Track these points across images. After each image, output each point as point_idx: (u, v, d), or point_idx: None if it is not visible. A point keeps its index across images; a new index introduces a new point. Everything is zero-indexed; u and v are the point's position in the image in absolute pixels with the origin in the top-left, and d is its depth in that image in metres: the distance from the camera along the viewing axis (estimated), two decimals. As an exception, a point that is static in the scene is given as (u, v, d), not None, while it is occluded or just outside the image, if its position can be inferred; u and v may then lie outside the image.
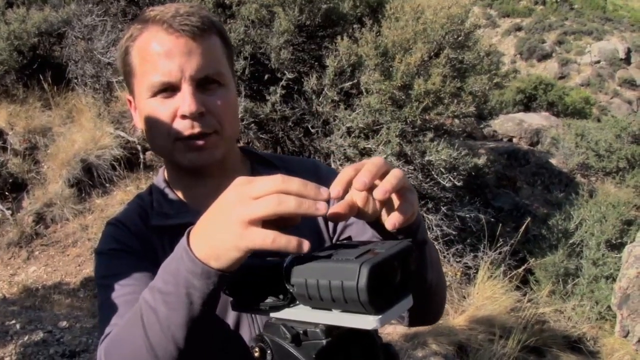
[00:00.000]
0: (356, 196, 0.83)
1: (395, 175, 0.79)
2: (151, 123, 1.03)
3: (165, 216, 1.09)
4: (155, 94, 1.01)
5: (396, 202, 0.81)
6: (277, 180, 0.69)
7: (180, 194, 1.13)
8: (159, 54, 0.99)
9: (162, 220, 1.08)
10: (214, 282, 0.75)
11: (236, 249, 0.69)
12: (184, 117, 1.00)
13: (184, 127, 1.00)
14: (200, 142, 1.02)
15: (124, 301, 0.96)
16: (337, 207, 0.79)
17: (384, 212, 0.85)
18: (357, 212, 0.82)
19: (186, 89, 0.99)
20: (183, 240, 0.77)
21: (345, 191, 0.78)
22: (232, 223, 0.68)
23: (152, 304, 0.79)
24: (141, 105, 1.05)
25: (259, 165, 1.18)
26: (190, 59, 0.99)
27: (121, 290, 0.98)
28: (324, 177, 1.20)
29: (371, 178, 0.77)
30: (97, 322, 3.94)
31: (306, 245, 0.67)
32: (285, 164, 1.20)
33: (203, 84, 1.01)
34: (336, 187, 0.76)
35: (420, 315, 1.11)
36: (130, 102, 1.12)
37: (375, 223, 0.88)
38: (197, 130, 1.00)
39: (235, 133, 1.12)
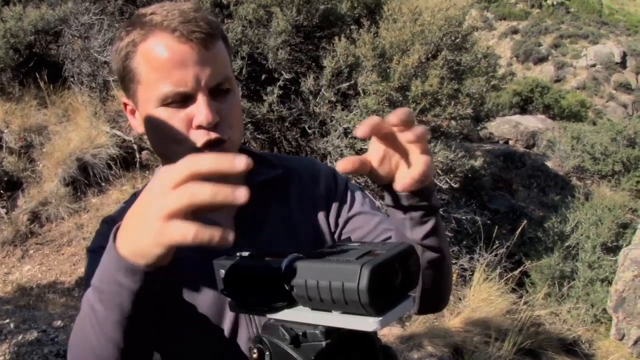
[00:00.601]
0: (373, 154, 0.86)
1: (423, 128, 0.81)
2: (162, 133, 1.01)
3: None
4: (164, 104, 0.98)
5: (415, 158, 0.84)
6: (186, 162, 0.65)
7: None
8: (171, 63, 0.96)
9: None
10: (140, 279, 0.73)
11: (157, 245, 0.67)
12: (199, 127, 0.98)
13: (200, 136, 0.98)
14: (218, 150, 0.99)
15: None
16: (347, 161, 0.81)
17: (399, 174, 0.88)
18: (369, 170, 0.85)
19: (201, 99, 0.97)
20: (111, 235, 0.75)
21: (371, 133, 0.80)
22: (151, 218, 0.66)
23: (92, 302, 0.78)
24: (147, 113, 1.02)
25: (257, 164, 1.16)
26: (204, 68, 0.97)
27: None
28: (322, 175, 1.20)
29: (405, 118, 0.79)
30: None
31: (231, 236, 0.63)
32: (283, 163, 1.18)
33: (215, 91, 1.00)
34: (363, 127, 0.78)
35: (433, 298, 1.09)
36: (126, 105, 1.09)
37: (389, 188, 0.91)
38: (213, 136, 0.98)
39: (241, 137, 1.10)
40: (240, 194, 0.61)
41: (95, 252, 1.04)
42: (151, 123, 1.02)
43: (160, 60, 0.97)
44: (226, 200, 0.62)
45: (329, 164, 5.14)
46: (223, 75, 1.00)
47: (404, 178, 0.86)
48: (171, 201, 0.64)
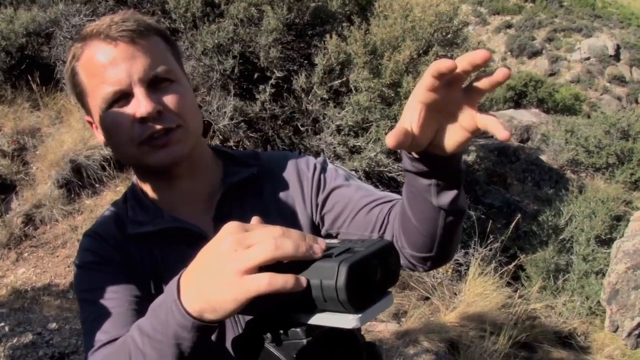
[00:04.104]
0: (412, 119, 0.80)
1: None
2: (112, 134, 1.02)
3: (140, 224, 1.08)
4: (110, 105, 1.00)
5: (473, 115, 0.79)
6: (275, 232, 0.67)
7: (153, 199, 1.12)
8: (104, 65, 0.98)
9: (137, 228, 1.07)
10: (204, 333, 0.74)
11: (235, 302, 0.67)
12: (142, 120, 0.98)
13: (145, 129, 0.99)
14: (164, 140, 1.00)
15: (106, 316, 0.96)
16: (393, 137, 0.77)
17: (446, 135, 0.82)
18: (411, 140, 0.80)
19: (139, 92, 0.98)
20: (173, 289, 0.74)
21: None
22: (229, 275, 0.66)
23: (141, 347, 0.78)
24: (99, 119, 1.03)
25: (231, 164, 1.17)
26: (135, 62, 0.99)
27: (103, 305, 0.98)
28: (293, 167, 1.19)
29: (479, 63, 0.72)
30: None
31: (304, 281, 0.66)
32: (257, 161, 1.19)
33: (154, 84, 1.00)
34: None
35: (449, 251, 1.06)
36: (90, 123, 1.11)
37: (420, 154, 0.86)
38: (158, 127, 0.99)
39: (199, 127, 1.10)
40: (318, 250, 0.67)
41: (83, 267, 1.06)
42: (104, 127, 1.04)
43: (95, 67, 1.00)
44: (306, 254, 0.66)
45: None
46: (160, 66, 1.01)
47: (456, 136, 0.81)
48: (252, 255, 0.65)
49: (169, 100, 1.01)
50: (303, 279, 0.66)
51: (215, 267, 0.68)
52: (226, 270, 0.67)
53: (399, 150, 0.86)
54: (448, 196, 0.91)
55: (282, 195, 1.16)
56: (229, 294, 0.67)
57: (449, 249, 1.05)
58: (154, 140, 1.00)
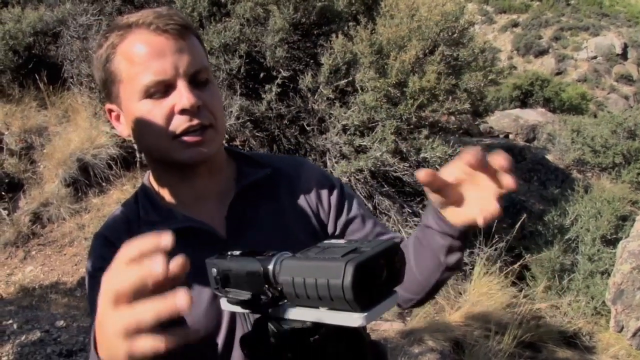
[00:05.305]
0: (450, 175, 0.91)
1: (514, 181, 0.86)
2: (145, 125, 1.02)
3: (152, 224, 1.08)
4: (148, 96, 1.01)
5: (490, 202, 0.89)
6: (127, 276, 0.62)
7: (166, 198, 1.13)
8: (150, 55, 0.99)
9: (149, 228, 1.06)
10: None
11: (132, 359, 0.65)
12: (182, 112, 1.00)
13: (183, 121, 1.00)
14: (198, 138, 1.02)
15: None
16: (426, 173, 0.88)
17: (479, 208, 0.91)
18: (437, 188, 0.91)
19: (182, 85, 1.00)
20: (92, 340, 0.74)
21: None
22: (113, 339, 0.64)
23: None
24: (131, 109, 1.04)
25: (244, 165, 1.18)
26: (182, 56, 1.00)
27: None
28: (313, 175, 1.21)
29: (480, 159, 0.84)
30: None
31: (192, 334, 0.65)
32: (271, 162, 1.20)
33: (194, 80, 1.02)
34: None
35: (430, 297, 1.16)
36: (110, 112, 1.11)
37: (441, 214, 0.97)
38: (195, 122, 1.01)
39: (225, 129, 1.13)
40: (181, 301, 0.59)
41: (92, 277, 1.06)
42: (135, 117, 1.04)
43: (139, 55, 1.00)
44: (172, 312, 0.60)
45: (327, 161, 5.16)
46: (201, 64, 1.03)
47: (485, 213, 0.90)
48: (122, 321, 0.62)
49: (207, 98, 1.04)
50: (191, 333, 0.65)
51: (104, 325, 0.66)
52: (111, 332, 0.64)
53: (430, 203, 0.99)
54: (456, 256, 1.01)
55: (299, 200, 1.18)
56: (123, 355, 0.64)
57: (432, 295, 1.15)
58: (189, 134, 1.02)
